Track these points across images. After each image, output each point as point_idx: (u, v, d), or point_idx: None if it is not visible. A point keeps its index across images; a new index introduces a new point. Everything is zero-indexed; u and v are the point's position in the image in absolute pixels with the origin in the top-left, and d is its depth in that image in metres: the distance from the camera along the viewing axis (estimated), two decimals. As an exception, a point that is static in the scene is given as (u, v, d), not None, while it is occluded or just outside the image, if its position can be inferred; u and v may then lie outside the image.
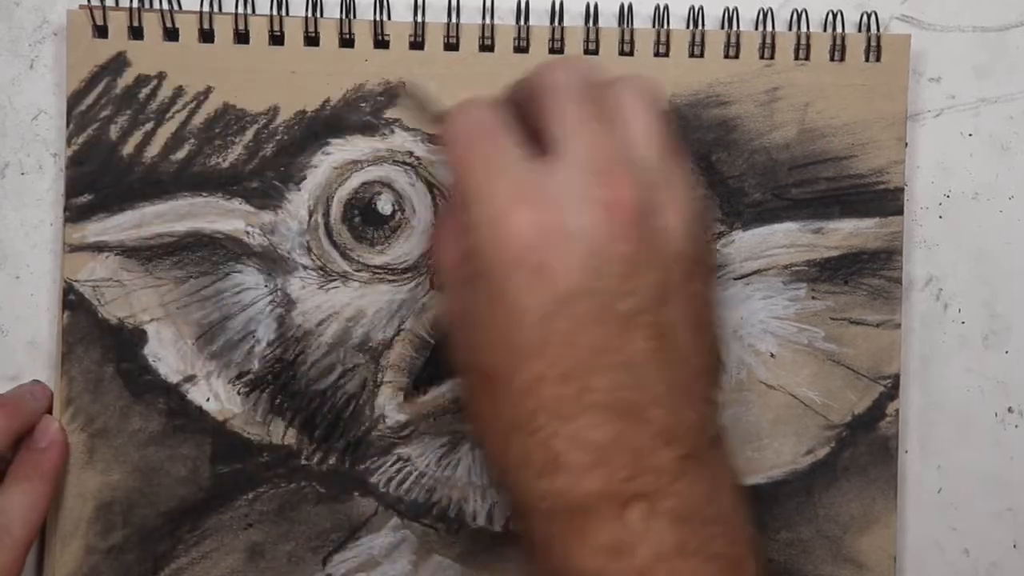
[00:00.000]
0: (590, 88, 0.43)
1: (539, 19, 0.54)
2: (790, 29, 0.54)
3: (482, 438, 0.44)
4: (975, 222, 0.55)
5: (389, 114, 0.53)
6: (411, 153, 0.54)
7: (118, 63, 0.53)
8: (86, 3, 0.53)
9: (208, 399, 0.53)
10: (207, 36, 0.53)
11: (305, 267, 0.53)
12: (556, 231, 0.40)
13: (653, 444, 0.40)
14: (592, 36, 0.53)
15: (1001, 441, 0.55)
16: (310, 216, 0.54)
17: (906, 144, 0.54)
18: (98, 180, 0.53)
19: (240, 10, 0.53)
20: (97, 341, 0.53)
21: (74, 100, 0.53)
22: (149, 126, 0.53)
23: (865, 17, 0.54)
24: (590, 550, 0.40)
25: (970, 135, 0.55)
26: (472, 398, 0.44)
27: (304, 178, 0.54)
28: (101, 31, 0.53)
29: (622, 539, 0.40)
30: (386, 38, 0.54)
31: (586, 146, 0.42)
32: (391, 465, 0.53)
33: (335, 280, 0.53)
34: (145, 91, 0.53)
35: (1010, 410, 0.55)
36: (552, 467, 0.40)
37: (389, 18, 0.54)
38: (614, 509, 0.40)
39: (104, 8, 0.53)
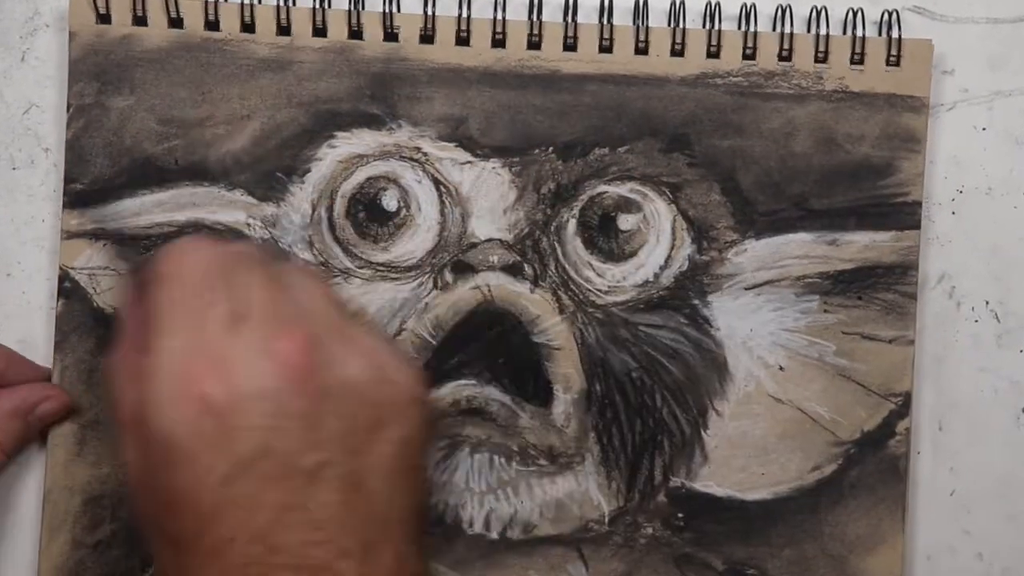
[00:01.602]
0: (266, 263, 0.44)
1: (552, 15, 0.53)
2: (808, 29, 0.53)
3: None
4: (989, 218, 0.54)
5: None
6: (419, 149, 0.52)
7: (120, 49, 0.52)
8: (89, -14, 0.52)
9: (203, 394, 0.52)
10: (212, 25, 0.52)
11: (307, 262, 0.52)
12: (235, 393, 0.40)
13: None
14: (607, 34, 0.52)
15: (1015, 442, 0.54)
16: (313, 210, 0.52)
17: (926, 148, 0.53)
18: (97, 166, 0.52)
19: (248, -3, 0.52)
20: (91, 331, 0.52)
21: (74, 84, 0.52)
22: (151, 113, 0.52)
23: (886, 15, 0.53)
24: None
25: (984, 129, 0.54)
26: (160, 560, 0.43)
27: (308, 171, 0.52)
28: (104, 17, 0.52)
29: None
30: (395, 30, 0.52)
31: (262, 306, 0.42)
32: (387, 467, 0.52)
33: (336, 276, 0.52)
34: (148, 77, 0.52)
35: (1024, 410, 0.54)
36: None
37: (399, 10, 0.52)
38: None
39: (108, -8, 0.52)
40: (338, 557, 0.40)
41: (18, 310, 0.53)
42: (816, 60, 0.52)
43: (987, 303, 0.54)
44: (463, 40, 0.52)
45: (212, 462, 0.40)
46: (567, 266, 0.52)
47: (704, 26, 0.53)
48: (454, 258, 0.52)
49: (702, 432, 0.52)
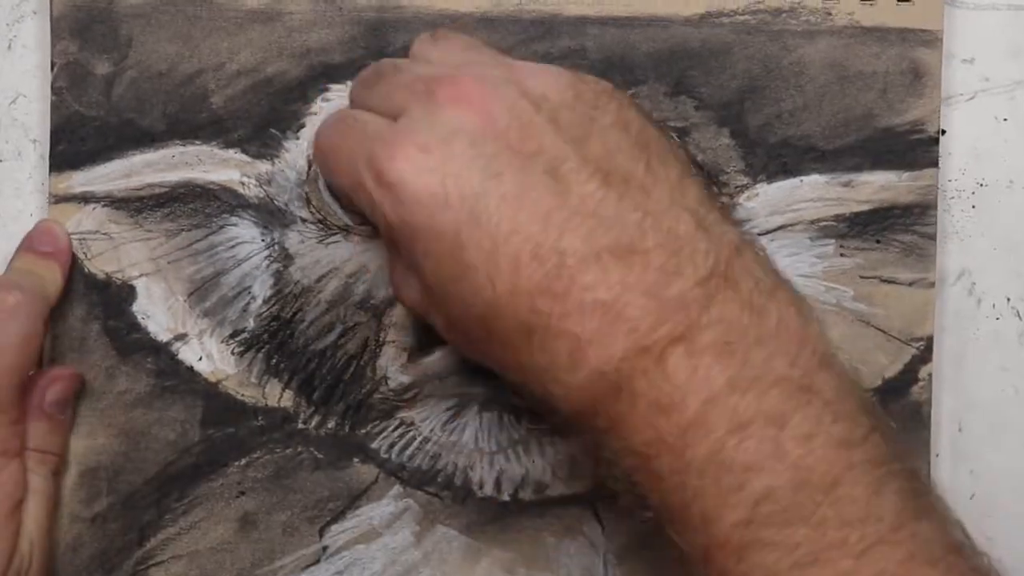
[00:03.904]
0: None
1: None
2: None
3: (505, 372, 0.41)
4: (1010, 212, 0.52)
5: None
6: (416, 100, 0.51)
7: (104, 4, 0.51)
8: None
9: (200, 359, 0.51)
10: (200, -25, 0.51)
11: (304, 220, 0.51)
12: (435, 153, 0.39)
13: (661, 278, 0.38)
14: (608, -24, 0.51)
15: (1038, 444, 0.52)
16: (309, 166, 0.51)
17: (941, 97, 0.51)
18: (84, 126, 0.51)
19: (235, -53, 0.51)
20: (82, 297, 0.51)
21: (57, 42, 0.50)
22: (138, 69, 0.51)
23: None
24: (640, 418, 0.38)
25: (1005, 120, 0.52)
26: (487, 347, 0.41)
27: (303, 126, 0.51)
28: (88, -29, 0.51)
29: (667, 394, 0.38)
30: (390, -22, 0.51)
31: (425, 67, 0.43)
32: (393, 430, 0.51)
33: (336, 234, 0.51)
34: (133, 32, 0.51)
35: (1047, 412, 0.53)
36: (576, 349, 0.38)
37: (393, -44, 0.51)
38: (651, 365, 0.38)
39: (91, -56, 0.51)
40: (632, 239, 0.39)
41: (7, 307, 0.52)
42: (825, -1, 0.51)
43: (1008, 300, 0.52)
44: (460, -13, 0.51)
45: (460, 242, 0.40)
46: (573, 217, 0.51)
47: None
48: (456, 212, 0.51)
49: (718, 384, 0.51)
